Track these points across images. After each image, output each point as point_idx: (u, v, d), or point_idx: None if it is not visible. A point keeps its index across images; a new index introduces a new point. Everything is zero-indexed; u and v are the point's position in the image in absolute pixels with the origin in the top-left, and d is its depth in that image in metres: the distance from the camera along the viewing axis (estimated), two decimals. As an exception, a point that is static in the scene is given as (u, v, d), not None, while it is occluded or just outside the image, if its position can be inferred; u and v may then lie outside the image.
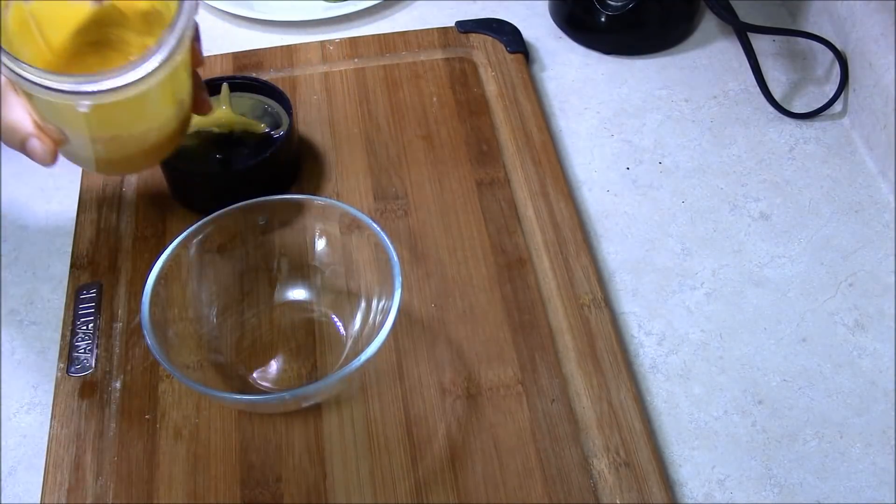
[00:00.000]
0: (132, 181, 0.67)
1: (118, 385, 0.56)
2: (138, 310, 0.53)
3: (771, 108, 0.74)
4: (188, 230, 0.55)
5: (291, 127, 0.65)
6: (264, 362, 0.57)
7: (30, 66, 0.46)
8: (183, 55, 0.49)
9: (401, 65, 0.75)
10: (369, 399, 0.55)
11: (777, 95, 0.74)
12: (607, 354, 0.57)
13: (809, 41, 0.76)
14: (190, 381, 0.49)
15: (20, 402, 0.58)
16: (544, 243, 0.63)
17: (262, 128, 0.65)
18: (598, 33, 0.80)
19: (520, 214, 0.65)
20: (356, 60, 0.76)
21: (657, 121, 0.74)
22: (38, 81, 0.46)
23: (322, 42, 0.77)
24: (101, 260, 0.62)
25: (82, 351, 0.58)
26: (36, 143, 0.49)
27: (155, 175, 0.67)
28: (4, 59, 0.45)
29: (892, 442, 0.55)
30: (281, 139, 0.64)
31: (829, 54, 0.73)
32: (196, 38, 0.53)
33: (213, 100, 0.65)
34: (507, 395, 0.55)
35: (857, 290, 0.62)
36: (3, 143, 0.50)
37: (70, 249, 0.63)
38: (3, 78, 0.48)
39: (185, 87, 0.53)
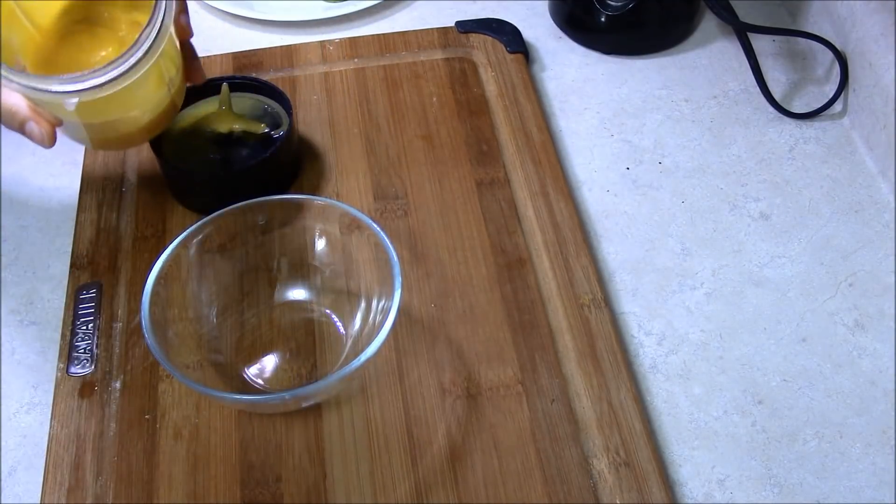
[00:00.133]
0: (132, 181, 0.67)
1: (118, 385, 0.56)
2: (138, 310, 0.53)
3: (771, 108, 0.74)
4: (188, 230, 0.55)
5: (291, 127, 0.64)
6: (264, 362, 0.57)
7: (12, 69, 0.46)
8: (165, 42, 0.49)
9: (401, 65, 0.75)
10: (369, 399, 0.55)
11: (777, 95, 0.74)
12: (607, 354, 0.57)
13: (809, 41, 0.76)
14: (190, 381, 0.49)
15: (20, 402, 0.58)
16: (544, 243, 0.63)
17: (262, 128, 0.65)
18: (598, 33, 0.80)
19: (520, 214, 0.65)
20: (356, 60, 0.76)
21: (657, 121, 0.74)
22: (23, 83, 0.46)
23: (322, 42, 0.77)
24: (101, 260, 0.62)
25: (82, 351, 0.58)
26: (34, 127, 0.50)
27: (155, 175, 0.67)
28: None
29: (892, 442, 0.55)
30: (281, 139, 0.64)
31: (829, 54, 0.73)
32: (184, 11, 0.53)
33: (213, 100, 0.65)
34: (507, 395, 0.55)
35: (857, 290, 0.62)
36: (2, 126, 0.51)
37: (70, 249, 0.63)
38: None
39: (173, 67, 0.54)
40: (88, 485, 0.52)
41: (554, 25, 0.82)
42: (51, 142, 0.51)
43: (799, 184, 0.69)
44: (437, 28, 0.78)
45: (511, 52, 0.76)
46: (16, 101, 0.49)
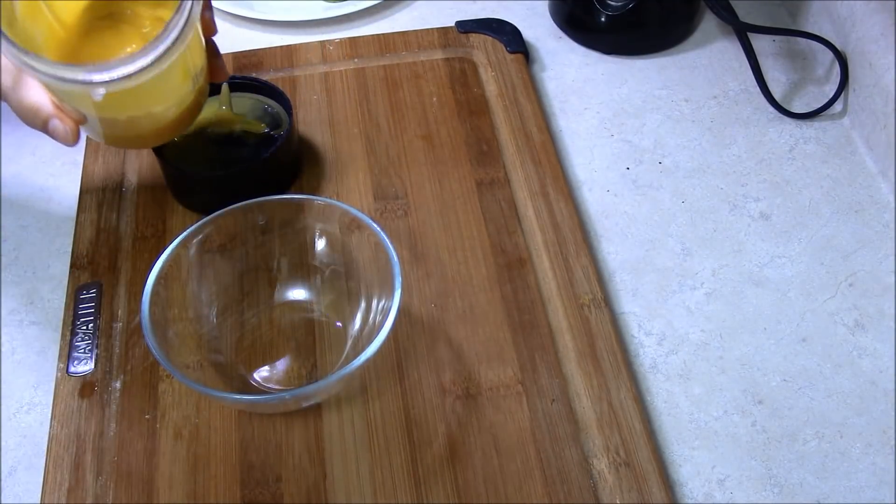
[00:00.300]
0: (132, 181, 0.67)
1: (118, 385, 0.56)
2: (138, 310, 0.53)
3: (771, 108, 0.74)
4: (188, 230, 0.55)
5: (291, 127, 0.64)
6: (264, 362, 0.57)
7: (40, 57, 0.45)
8: (193, 33, 0.49)
9: (401, 65, 0.75)
10: (369, 399, 0.55)
11: (777, 95, 0.74)
12: (607, 354, 0.57)
13: (809, 41, 0.76)
14: (190, 381, 0.49)
15: (20, 402, 0.58)
16: (544, 243, 0.63)
17: (262, 128, 0.65)
18: (598, 33, 0.80)
19: (520, 214, 0.65)
20: (356, 60, 0.76)
21: (657, 121, 0.74)
22: (49, 72, 0.45)
23: (322, 42, 0.77)
24: (101, 260, 0.62)
25: (82, 351, 0.58)
26: (58, 124, 0.49)
27: (155, 175, 0.67)
28: (16, 52, 0.45)
29: (892, 442, 0.55)
30: (281, 139, 0.64)
31: (829, 54, 0.73)
32: (208, 8, 0.53)
33: (213, 100, 0.65)
34: (507, 395, 0.55)
35: (857, 290, 0.62)
36: (2, 126, 0.50)
37: (70, 249, 0.63)
38: None
39: (199, 62, 0.53)
40: (88, 485, 0.52)
41: (554, 25, 0.82)
42: (75, 139, 0.50)
43: (799, 184, 0.69)
44: (437, 28, 0.78)
45: (511, 52, 0.76)
46: (38, 97, 0.48)
